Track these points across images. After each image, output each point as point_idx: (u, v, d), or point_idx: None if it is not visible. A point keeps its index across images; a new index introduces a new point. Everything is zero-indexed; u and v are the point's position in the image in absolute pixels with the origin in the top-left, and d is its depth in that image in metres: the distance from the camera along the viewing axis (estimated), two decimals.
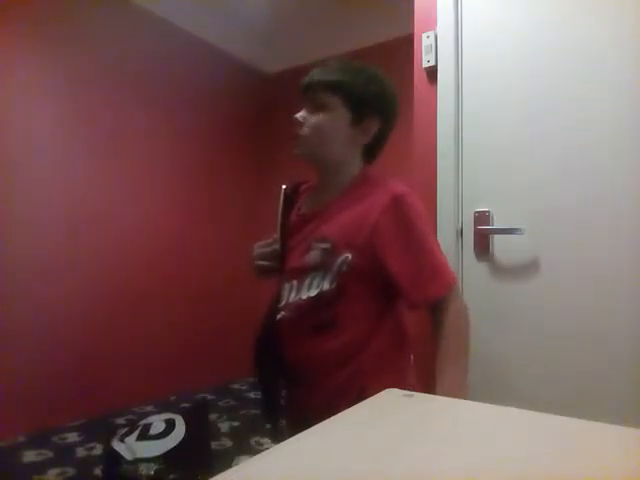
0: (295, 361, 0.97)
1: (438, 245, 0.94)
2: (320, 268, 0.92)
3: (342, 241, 0.91)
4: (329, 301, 0.91)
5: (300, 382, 0.98)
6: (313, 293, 0.92)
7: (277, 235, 1.03)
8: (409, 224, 0.90)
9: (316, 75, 0.96)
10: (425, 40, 1.49)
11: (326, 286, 0.91)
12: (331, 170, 1.00)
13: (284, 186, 1.07)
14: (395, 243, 0.89)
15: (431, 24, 1.48)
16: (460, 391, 0.83)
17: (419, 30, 1.52)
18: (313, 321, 0.93)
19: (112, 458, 1.55)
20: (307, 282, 0.93)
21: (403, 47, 1.91)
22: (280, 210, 1.04)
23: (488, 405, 0.56)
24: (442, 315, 0.88)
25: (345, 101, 0.95)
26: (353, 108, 0.95)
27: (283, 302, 0.98)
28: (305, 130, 0.96)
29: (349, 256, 0.90)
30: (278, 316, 0.98)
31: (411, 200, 0.92)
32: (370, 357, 0.92)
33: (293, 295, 0.96)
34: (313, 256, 0.93)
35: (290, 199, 1.07)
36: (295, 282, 0.96)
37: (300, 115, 0.97)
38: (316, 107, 0.95)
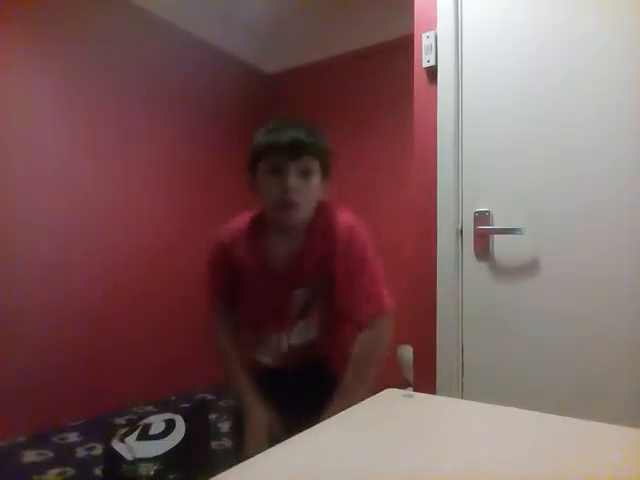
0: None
1: (380, 272, 1.04)
2: (303, 316, 1.04)
3: (316, 283, 1.02)
4: (316, 344, 1.05)
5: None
6: (299, 341, 1.05)
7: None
8: (356, 256, 1.00)
9: (299, 137, 0.98)
10: (425, 40, 1.49)
11: (312, 334, 1.05)
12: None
13: None
14: (344, 272, 1.00)
15: (431, 24, 1.48)
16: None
17: (419, 30, 1.52)
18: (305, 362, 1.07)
19: (112, 458, 1.55)
20: (296, 330, 1.06)
21: (403, 47, 1.91)
22: None
23: (488, 405, 0.56)
24: (363, 334, 1.00)
25: (320, 164, 1.02)
26: (323, 169, 1.03)
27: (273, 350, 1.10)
28: (301, 198, 0.99)
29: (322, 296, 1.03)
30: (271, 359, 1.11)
31: (356, 232, 1.02)
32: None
33: (283, 344, 1.08)
34: (296, 304, 1.04)
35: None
36: (284, 332, 1.08)
37: (295, 183, 0.97)
38: (304, 172, 0.99)
